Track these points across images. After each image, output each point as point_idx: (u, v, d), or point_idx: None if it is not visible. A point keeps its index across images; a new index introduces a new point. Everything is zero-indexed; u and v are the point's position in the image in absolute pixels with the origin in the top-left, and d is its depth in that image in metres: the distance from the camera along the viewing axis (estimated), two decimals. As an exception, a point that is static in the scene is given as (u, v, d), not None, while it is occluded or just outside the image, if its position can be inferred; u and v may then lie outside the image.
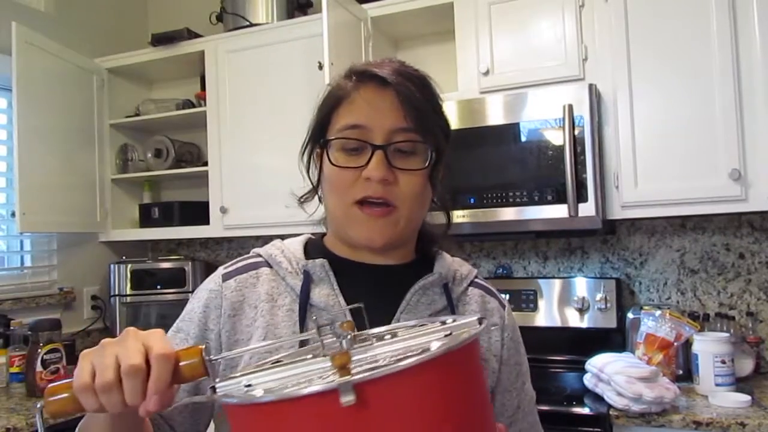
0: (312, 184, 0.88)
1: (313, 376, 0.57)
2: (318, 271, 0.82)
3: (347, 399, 0.44)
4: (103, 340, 0.61)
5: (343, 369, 0.49)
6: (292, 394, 0.47)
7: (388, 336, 0.63)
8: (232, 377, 0.60)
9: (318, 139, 0.84)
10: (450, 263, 0.90)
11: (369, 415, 0.45)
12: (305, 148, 0.87)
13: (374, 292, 0.74)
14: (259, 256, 0.88)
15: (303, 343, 0.74)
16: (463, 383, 0.52)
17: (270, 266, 0.86)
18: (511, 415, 0.86)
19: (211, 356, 0.59)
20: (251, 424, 0.50)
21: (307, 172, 0.88)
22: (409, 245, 0.88)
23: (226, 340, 0.81)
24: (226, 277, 0.85)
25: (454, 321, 0.64)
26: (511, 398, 0.87)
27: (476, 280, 0.91)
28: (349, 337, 0.56)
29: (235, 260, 0.89)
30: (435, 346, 0.53)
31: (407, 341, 0.60)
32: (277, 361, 0.63)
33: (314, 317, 0.78)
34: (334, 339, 0.58)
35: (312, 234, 0.93)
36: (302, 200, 0.91)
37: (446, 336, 0.59)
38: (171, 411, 0.79)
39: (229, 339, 0.81)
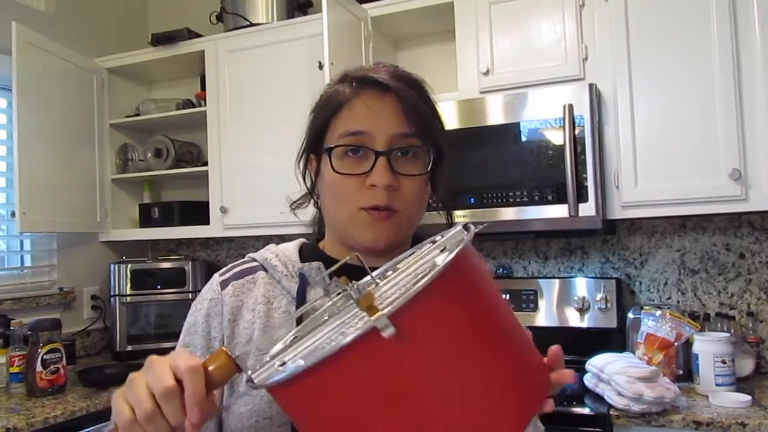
0: (308, 190, 0.89)
1: (341, 330, 0.57)
2: (314, 274, 0.83)
3: (388, 332, 0.45)
4: (129, 375, 0.60)
5: (372, 308, 0.50)
6: (334, 348, 0.47)
7: (390, 272, 0.63)
8: (265, 364, 0.59)
9: (316, 146, 0.84)
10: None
11: (413, 341, 0.46)
12: (302, 155, 0.88)
13: None
14: (254, 260, 0.88)
15: (299, 322, 0.74)
16: (482, 285, 0.53)
17: (266, 270, 0.86)
18: None
19: (236, 353, 0.60)
20: (306, 395, 0.50)
21: (303, 178, 0.89)
22: (404, 247, 0.88)
23: (226, 345, 0.81)
24: (223, 284, 0.85)
25: (442, 237, 0.64)
26: None
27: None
28: (355, 287, 0.56)
29: (230, 266, 0.89)
30: (440, 259, 0.54)
31: (410, 269, 0.61)
32: (295, 338, 0.63)
33: (327, 282, 0.75)
34: (343, 299, 0.59)
35: (306, 239, 0.94)
36: (294, 206, 0.92)
37: (443, 251, 0.60)
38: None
39: (229, 343, 0.82)
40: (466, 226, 0.60)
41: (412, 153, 0.80)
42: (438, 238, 0.66)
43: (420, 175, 0.80)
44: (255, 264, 0.87)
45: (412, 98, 0.79)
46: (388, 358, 0.47)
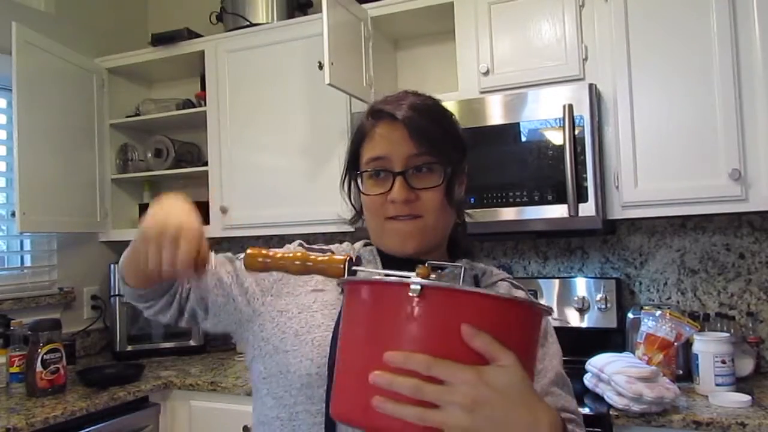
0: (354, 207, 1.03)
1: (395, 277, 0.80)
2: (367, 255, 1.00)
3: (414, 290, 0.63)
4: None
5: (423, 277, 0.69)
6: (391, 279, 0.71)
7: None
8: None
9: (352, 170, 1.00)
10: (484, 266, 1.04)
11: (421, 310, 0.64)
12: (344, 179, 1.03)
13: None
14: (329, 248, 1.04)
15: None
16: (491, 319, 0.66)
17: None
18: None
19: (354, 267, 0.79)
20: (358, 298, 0.70)
21: (349, 197, 1.03)
22: (439, 250, 1.00)
23: (275, 284, 0.99)
24: (300, 245, 1.03)
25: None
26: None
27: (509, 279, 1.04)
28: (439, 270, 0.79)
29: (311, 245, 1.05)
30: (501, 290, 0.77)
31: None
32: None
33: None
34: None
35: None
36: (352, 222, 1.08)
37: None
38: (205, 286, 0.98)
39: (278, 284, 0.99)
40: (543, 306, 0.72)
41: (427, 168, 0.92)
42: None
43: (435, 187, 0.92)
44: (327, 248, 1.04)
45: (417, 123, 0.92)
46: (404, 302, 0.64)
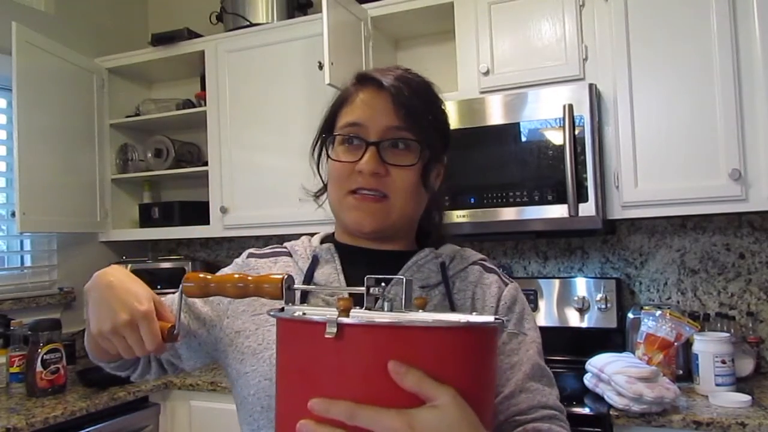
0: (321, 179, 0.96)
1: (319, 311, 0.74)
2: (324, 254, 0.92)
3: (330, 331, 0.57)
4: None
5: (342, 311, 0.60)
6: (304, 318, 0.64)
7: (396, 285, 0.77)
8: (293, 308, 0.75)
9: (326, 134, 0.92)
10: (454, 249, 0.95)
11: (340, 350, 0.58)
12: (315, 146, 0.95)
13: (373, 271, 0.72)
14: (284, 247, 0.98)
15: (303, 295, 0.88)
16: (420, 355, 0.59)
17: (290, 255, 0.96)
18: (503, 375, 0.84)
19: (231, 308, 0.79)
20: (284, 336, 0.66)
21: (317, 167, 0.96)
22: (406, 236, 0.94)
23: (231, 304, 0.93)
24: (249, 256, 0.99)
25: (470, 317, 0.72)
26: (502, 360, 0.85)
27: (482, 261, 0.95)
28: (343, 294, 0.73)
29: (265, 247, 1.01)
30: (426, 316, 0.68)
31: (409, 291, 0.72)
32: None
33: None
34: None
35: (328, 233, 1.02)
36: (317, 194, 0.99)
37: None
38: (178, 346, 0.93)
39: (234, 303, 0.92)
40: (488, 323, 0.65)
41: (404, 145, 0.85)
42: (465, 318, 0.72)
43: (408, 167, 0.85)
44: (283, 249, 0.98)
45: (405, 95, 0.85)
46: (324, 342, 0.58)
